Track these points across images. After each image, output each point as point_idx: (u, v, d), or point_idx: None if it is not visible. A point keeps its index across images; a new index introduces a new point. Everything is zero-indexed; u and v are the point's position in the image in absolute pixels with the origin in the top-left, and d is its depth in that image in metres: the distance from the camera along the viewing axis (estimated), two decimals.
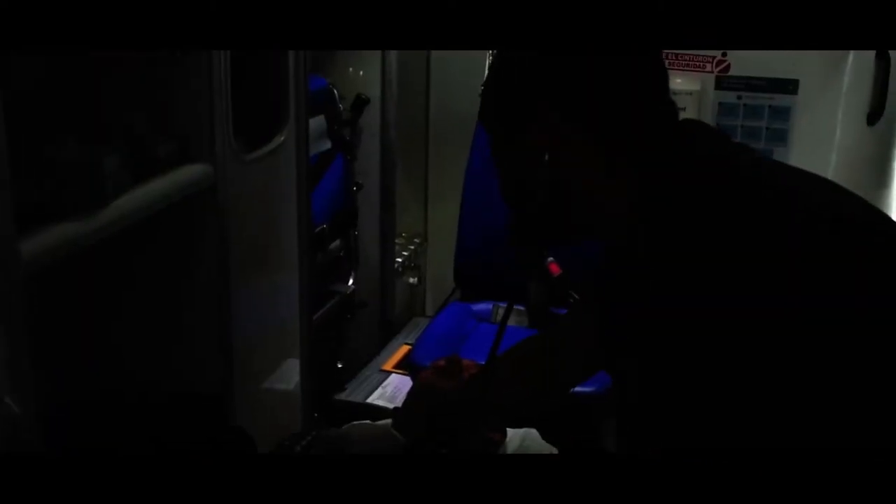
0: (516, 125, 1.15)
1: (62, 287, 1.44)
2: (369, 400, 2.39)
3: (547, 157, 1.13)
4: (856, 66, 2.68)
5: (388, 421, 1.51)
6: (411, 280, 3.02)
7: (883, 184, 2.75)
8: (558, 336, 1.51)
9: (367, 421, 1.55)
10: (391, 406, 2.33)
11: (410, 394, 1.92)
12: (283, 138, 1.86)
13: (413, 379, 2.22)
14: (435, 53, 2.97)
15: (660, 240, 1.07)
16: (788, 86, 2.72)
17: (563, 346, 1.46)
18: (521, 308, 2.58)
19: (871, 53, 2.64)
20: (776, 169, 1.18)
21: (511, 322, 2.54)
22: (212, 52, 1.55)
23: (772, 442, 0.98)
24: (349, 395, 2.41)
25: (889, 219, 1.12)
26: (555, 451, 1.65)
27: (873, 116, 2.70)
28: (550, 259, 2.52)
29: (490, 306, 2.59)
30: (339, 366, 2.62)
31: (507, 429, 1.77)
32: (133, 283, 1.63)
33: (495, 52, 1.25)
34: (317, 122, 2.33)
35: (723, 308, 0.99)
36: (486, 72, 2.62)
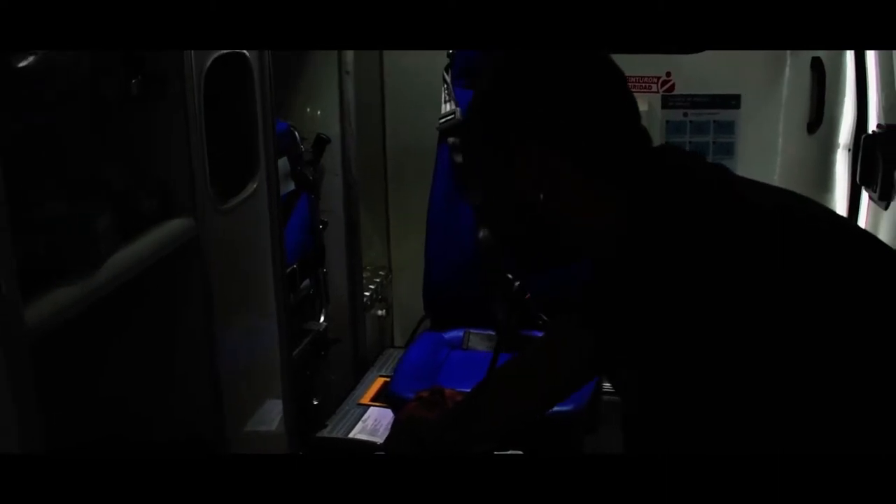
0: (502, 160, 1.21)
1: (58, 341, 1.45)
2: (351, 435, 2.41)
3: (535, 186, 1.18)
4: (793, 78, 2.81)
5: None
6: (379, 312, 3.05)
7: (824, 188, 2.86)
8: (543, 354, 1.55)
9: None
10: (373, 439, 2.37)
11: (395, 427, 1.95)
12: (255, 185, 1.89)
13: (396, 411, 2.26)
14: (389, 89, 3.02)
15: (648, 252, 1.12)
16: (731, 101, 2.83)
17: (549, 363, 1.50)
18: (492, 333, 2.64)
19: (807, 65, 2.76)
20: (752, 184, 1.25)
21: (482, 347, 2.62)
22: (186, 103, 1.57)
23: (770, 446, 1.02)
24: (331, 431, 2.43)
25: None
26: None
27: (813, 125, 2.82)
28: (518, 283, 2.58)
29: (461, 333, 2.64)
30: (315, 403, 2.63)
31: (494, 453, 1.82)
32: (122, 335, 1.65)
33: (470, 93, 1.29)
34: (280, 164, 2.35)
35: (714, 314, 1.04)
36: (442, 105, 2.71)
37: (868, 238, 1.20)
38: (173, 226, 1.57)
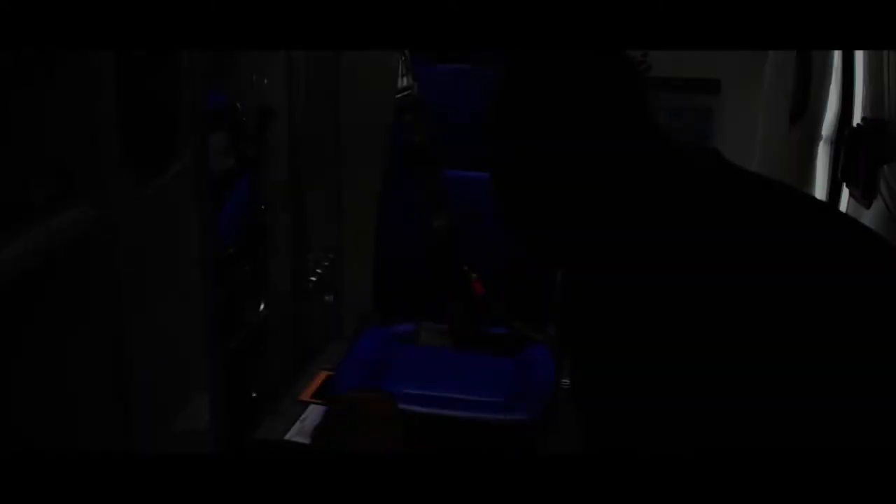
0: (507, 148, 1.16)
1: None
2: (287, 436, 2.24)
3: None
4: (776, 65, 2.67)
5: None
6: (326, 298, 2.87)
7: (805, 182, 2.73)
8: None
9: None
10: (309, 441, 2.20)
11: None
12: (181, 165, 1.69)
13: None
14: (343, 59, 2.82)
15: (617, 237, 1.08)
16: (710, 86, 2.70)
17: None
18: (445, 327, 2.48)
19: (792, 52, 2.62)
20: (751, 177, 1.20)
21: (434, 343, 2.48)
22: (92, 69, 1.38)
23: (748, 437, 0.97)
24: (265, 432, 2.26)
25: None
26: None
27: (795, 115, 2.68)
28: (474, 276, 2.43)
29: (412, 327, 2.49)
30: (254, 395, 2.46)
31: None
32: (16, 337, 1.46)
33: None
34: (218, 140, 2.17)
35: (676, 300, 1.00)
36: (399, 79, 2.53)
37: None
38: (73, 215, 1.37)
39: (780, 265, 1.02)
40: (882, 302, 1.03)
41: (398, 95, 2.49)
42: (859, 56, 2.49)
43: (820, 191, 2.70)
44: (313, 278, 2.74)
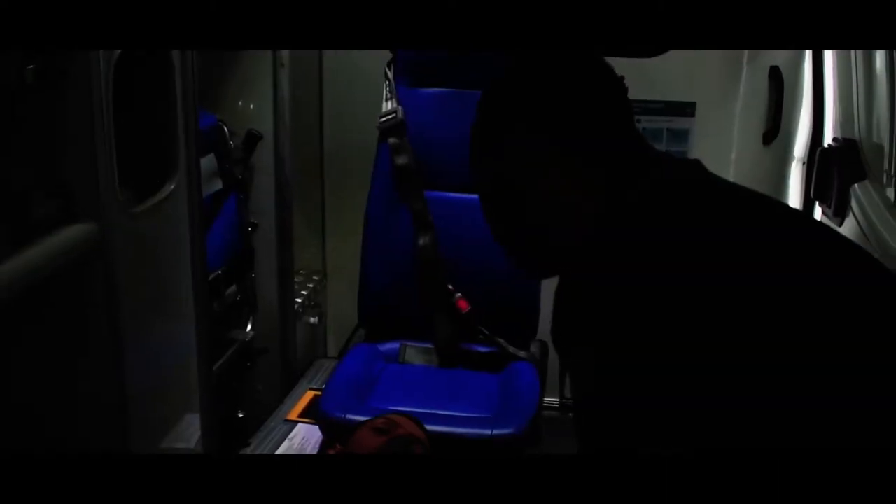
0: (495, 154, 1.17)
1: None
2: (276, 454, 2.25)
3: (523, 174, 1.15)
4: (749, 87, 2.72)
5: None
6: (312, 320, 2.89)
7: None
8: None
9: None
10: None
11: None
12: (173, 185, 1.72)
13: (324, 430, 2.12)
14: (327, 84, 2.86)
15: (617, 237, 1.08)
16: (686, 108, 2.74)
17: None
18: (430, 346, 2.50)
19: (764, 74, 2.68)
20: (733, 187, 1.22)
21: (419, 361, 2.49)
22: (92, 95, 1.41)
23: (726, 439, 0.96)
24: (254, 450, 2.27)
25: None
26: None
27: (768, 136, 2.74)
28: (459, 295, 2.46)
29: (397, 345, 2.50)
30: (241, 416, 2.47)
31: None
32: (16, 350, 1.47)
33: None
34: (207, 162, 2.19)
35: (677, 299, 0.99)
36: (383, 103, 2.57)
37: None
38: (74, 231, 1.40)
39: (775, 266, 1.03)
40: (878, 303, 1.04)
41: (382, 119, 2.51)
42: (829, 78, 2.55)
43: None
44: (299, 299, 2.77)
